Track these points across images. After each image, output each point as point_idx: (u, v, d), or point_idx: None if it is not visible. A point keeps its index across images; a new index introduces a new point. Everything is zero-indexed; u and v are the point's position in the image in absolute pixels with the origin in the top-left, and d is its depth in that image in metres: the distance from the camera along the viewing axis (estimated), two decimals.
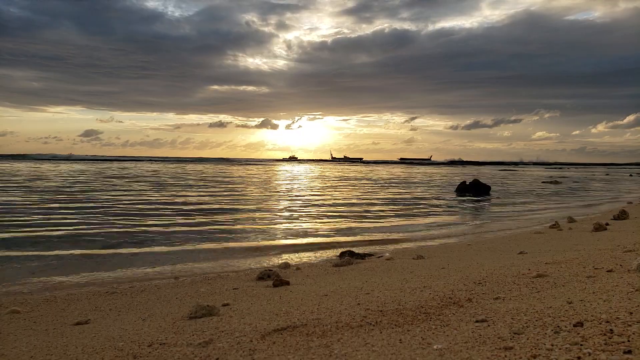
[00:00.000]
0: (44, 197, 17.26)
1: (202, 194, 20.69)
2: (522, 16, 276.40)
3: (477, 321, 2.75)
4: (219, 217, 12.67)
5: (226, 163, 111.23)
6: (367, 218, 13.18)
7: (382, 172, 59.46)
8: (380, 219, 13.06)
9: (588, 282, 3.60)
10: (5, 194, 18.09)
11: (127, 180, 29.89)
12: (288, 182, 33.36)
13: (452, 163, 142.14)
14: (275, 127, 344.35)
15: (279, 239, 9.56)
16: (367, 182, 33.88)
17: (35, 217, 11.87)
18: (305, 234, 10.21)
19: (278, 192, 23.33)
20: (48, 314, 4.22)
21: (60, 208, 13.86)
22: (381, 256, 6.81)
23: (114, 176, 34.35)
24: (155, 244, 8.63)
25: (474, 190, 22.43)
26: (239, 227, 11.08)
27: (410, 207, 16.46)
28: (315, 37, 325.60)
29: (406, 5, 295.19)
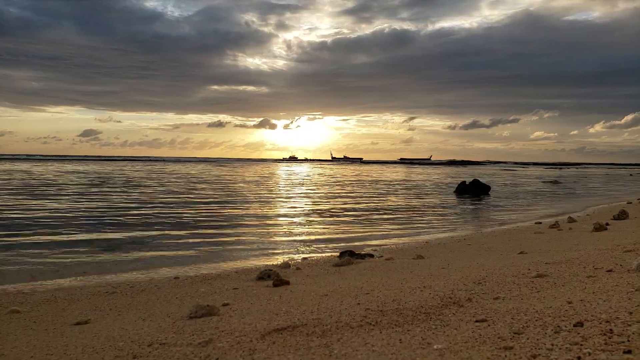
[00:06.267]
0: (45, 197, 17.26)
1: (201, 194, 20.69)
2: (522, 16, 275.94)
3: (477, 321, 2.75)
4: (219, 217, 12.68)
5: (226, 163, 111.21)
6: (366, 218, 13.18)
7: (382, 172, 59.46)
8: (380, 218, 13.06)
9: (588, 282, 3.60)
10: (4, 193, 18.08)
11: (126, 181, 29.89)
12: (288, 182, 33.36)
13: (451, 163, 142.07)
14: (274, 127, 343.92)
15: (279, 238, 9.56)
16: (367, 182, 33.88)
17: (35, 217, 11.87)
18: (305, 233, 10.21)
19: (278, 192, 23.33)
20: (48, 314, 4.22)
21: (60, 208, 13.86)
22: (381, 256, 6.81)
23: (112, 177, 34.36)
24: (155, 244, 8.63)
25: (474, 190, 22.42)
26: (239, 227, 11.08)
27: (410, 207, 16.46)
28: (314, 37, 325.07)
29: (405, 5, 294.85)
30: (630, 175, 59.53)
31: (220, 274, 6.12)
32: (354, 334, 2.71)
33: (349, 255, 6.55)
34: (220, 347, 2.65)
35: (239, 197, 19.15)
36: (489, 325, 2.63)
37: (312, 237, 9.71)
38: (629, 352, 2.00)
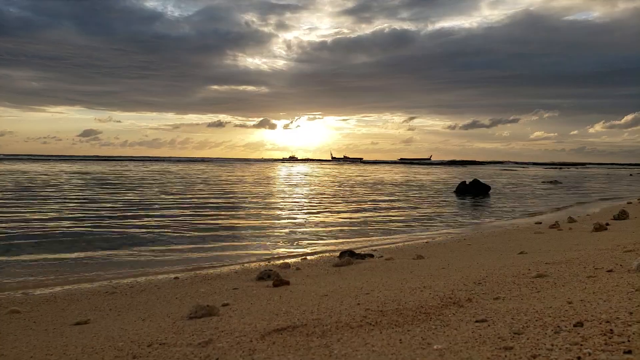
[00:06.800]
0: (46, 198, 17.26)
1: (201, 195, 20.70)
2: (522, 16, 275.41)
3: (477, 321, 2.75)
4: (219, 218, 12.67)
5: (226, 163, 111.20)
6: (366, 218, 13.18)
7: (382, 172, 59.47)
8: (380, 219, 13.06)
9: (588, 282, 3.60)
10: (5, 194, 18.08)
11: (127, 181, 29.91)
12: (288, 182, 33.36)
13: (452, 163, 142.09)
14: (274, 127, 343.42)
15: (279, 239, 9.56)
16: (367, 182, 33.88)
17: (36, 217, 11.87)
18: (305, 233, 10.21)
19: (278, 192, 23.33)
20: (48, 314, 4.22)
21: (60, 209, 13.86)
22: (381, 256, 6.80)
23: (113, 178, 34.39)
24: (155, 244, 8.63)
25: (474, 190, 22.42)
26: (238, 227, 11.08)
27: (411, 207, 16.46)
28: (314, 37, 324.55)
29: (405, 5, 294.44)
30: (630, 175, 59.51)
31: (220, 274, 6.12)
32: (354, 334, 2.71)
33: (349, 255, 6.54)
34: (220, 347, 2.65)
35: (239, 198, 19.14)
36: (489, 326, 2.63)
37: (312, 237, 9.72)
38: (629, 352, 2.00)
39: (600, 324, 2.40)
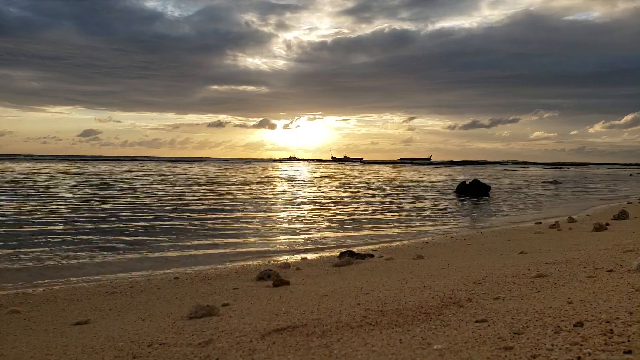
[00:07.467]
0: (42, 198, 17.26)
1: (202, 195, 20.70)
2: (522, 16, 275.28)
3: (477, 321, 2.75)
4: (219, 218, 12.67)
5: (226, 163, 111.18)
6: (367, 218, 13.18)
7: (382, 172, 59.47)
8: (380, 219, 13.06)
9: (588, 282, 3.60)
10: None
11: (127, 181, 29.91)
12: (288, 183, 33.36)
13: (452, 163, 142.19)
14: (274, 127, 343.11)
15: (279, 239, 9.56)
16: (367, 182, 33.88)
17: (34, 218, 11.87)
18: (305, 233, 10.21)
19: (277, 193, 23.33)
20: (48, 314, 4.22)
21: (60, 208, 13.86)
22: (381, 256, 6.80)
23: (114, 178, 34.38)
24: (155, 244, 8.63)
25: (474, 190, 22.42)
26: (238, 227, 11.08)
27: (411, 207, 16.45)
28: (314, 37, 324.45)
29: (405, 5, 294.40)
30: (630, 175, 59.50)
31: (220, 274, 6.12)
32: (354, 334, 2.71)
33: (349, 255, 6.54)
34: (220, 347, 2.65)
35: (239, 198, 19.15)
36: (489, 326, 2.63)
37: (312, 237, 9.71)
38: (629, 352, 2.00)
39: (600, 324, 2.40)
